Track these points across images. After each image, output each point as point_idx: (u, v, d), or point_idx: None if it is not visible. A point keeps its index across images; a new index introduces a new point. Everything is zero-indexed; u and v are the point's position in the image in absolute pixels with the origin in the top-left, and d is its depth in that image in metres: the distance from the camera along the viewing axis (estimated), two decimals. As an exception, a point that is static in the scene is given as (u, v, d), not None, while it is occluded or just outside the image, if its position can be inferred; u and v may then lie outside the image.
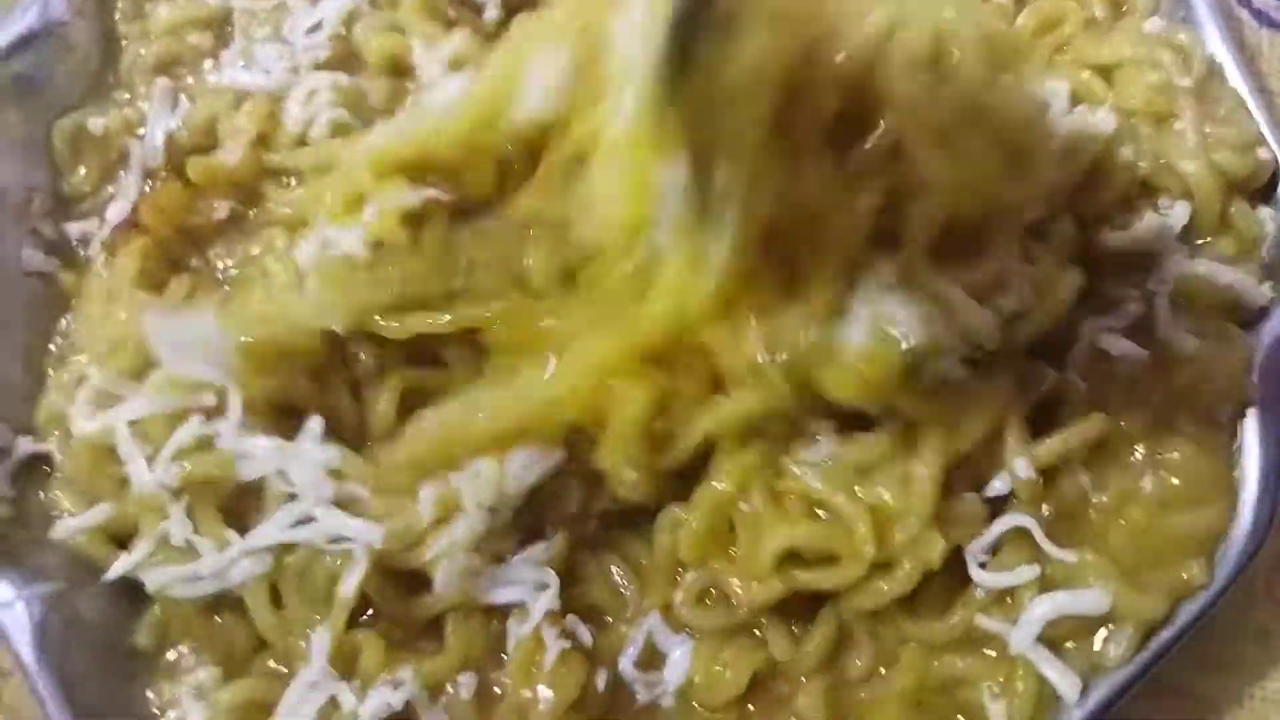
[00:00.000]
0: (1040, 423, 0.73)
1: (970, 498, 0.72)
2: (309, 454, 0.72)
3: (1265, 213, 0.81)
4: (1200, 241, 0.80)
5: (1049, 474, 0.71)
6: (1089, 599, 0.69)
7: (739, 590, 0.71)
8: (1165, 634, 0.71)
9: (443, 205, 0.74)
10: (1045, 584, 0.71)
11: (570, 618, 0.73)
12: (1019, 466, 0.70)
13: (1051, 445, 0.71)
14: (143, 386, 0.75)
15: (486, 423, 0.70)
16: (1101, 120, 0.78)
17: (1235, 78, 0.85)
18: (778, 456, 0.71)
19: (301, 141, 0.86)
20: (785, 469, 0.71)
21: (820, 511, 0.71)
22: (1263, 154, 0.80)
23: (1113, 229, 0.77)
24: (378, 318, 0.74)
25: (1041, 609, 0.69)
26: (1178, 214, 0.78)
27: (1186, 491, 0.72)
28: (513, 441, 0.70)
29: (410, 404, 0.76)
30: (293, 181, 0.86)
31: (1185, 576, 0.71)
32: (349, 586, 0.70)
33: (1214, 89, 0.84)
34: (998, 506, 0.72)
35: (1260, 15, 0.94)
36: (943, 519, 0.70)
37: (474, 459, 0.70)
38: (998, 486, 0.71)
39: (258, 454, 0.73)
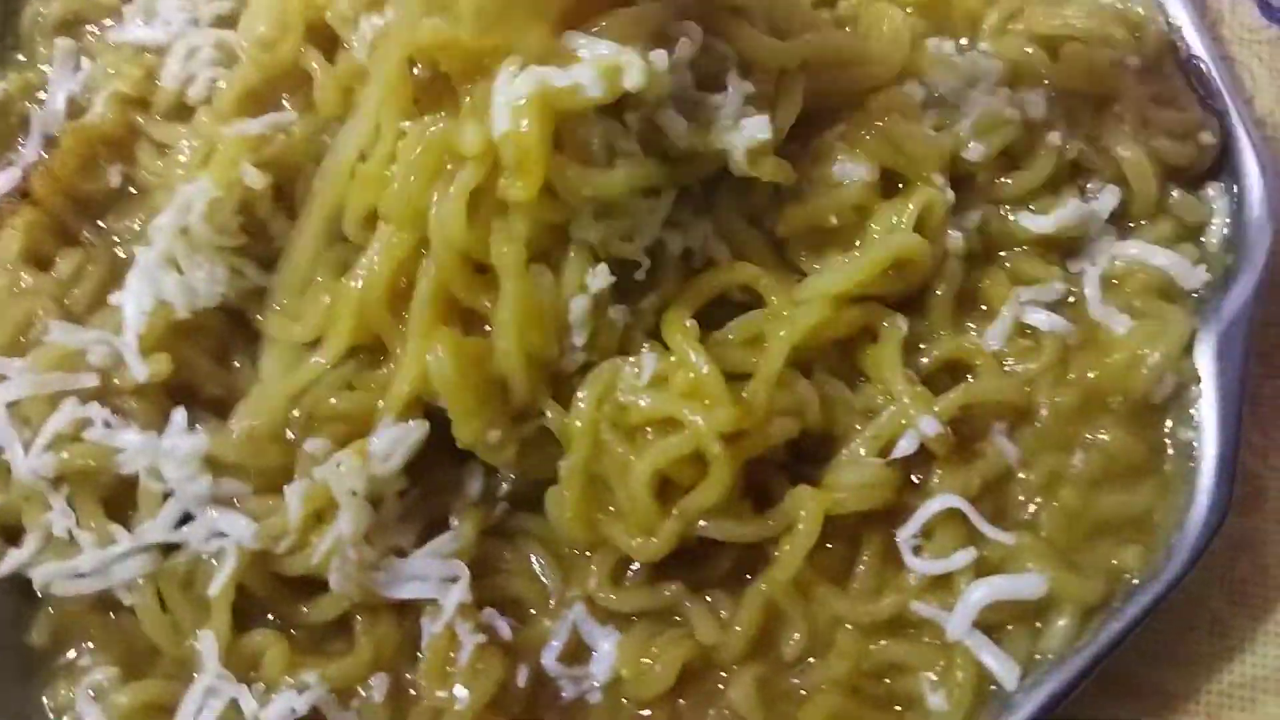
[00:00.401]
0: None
1: (868, 462, 0.70)
2: (179, 447, 0.68)
3: (1212, 190, 0.79)
4: (1134, 225, 0.78)
5: (963, 441, 0.69)
6: (1026, 583, 0.67)
7: (635, 545, 0.68)
8: (1116, 625, 0.68)
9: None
10: (981, 568, 0.68)
11: (487, 611, 0.69)
12: (924, 423, 0.68)
13: (953, 398, 0.69)
14: (23, 362, 0.71)
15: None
16: (1032, 102, 0.75)
17: (1195, 44, 0.82)
18: (611, 394, 0.68)
19: (179, 101, 0.83)
20: (625, 404, 0.68)
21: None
22: (1204, 138, 0.78)
23: (1034, 212, 0.75)
24: None
25: (978, 594, 0.67)
26: (1105, 199, 0.76)
27: (1117, 472, 0.70)
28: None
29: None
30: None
31: (1116, 562, 0.69)
32: (217, 585, 0.67)
33: (1164, 68, 0.82)
34: (926, 486, 0.70)
35: (1223, -20, 0.91)
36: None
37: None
38: (904, 446, 0.69)
39: (128, 448, 0.69)
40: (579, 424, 0.68)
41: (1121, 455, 0.71)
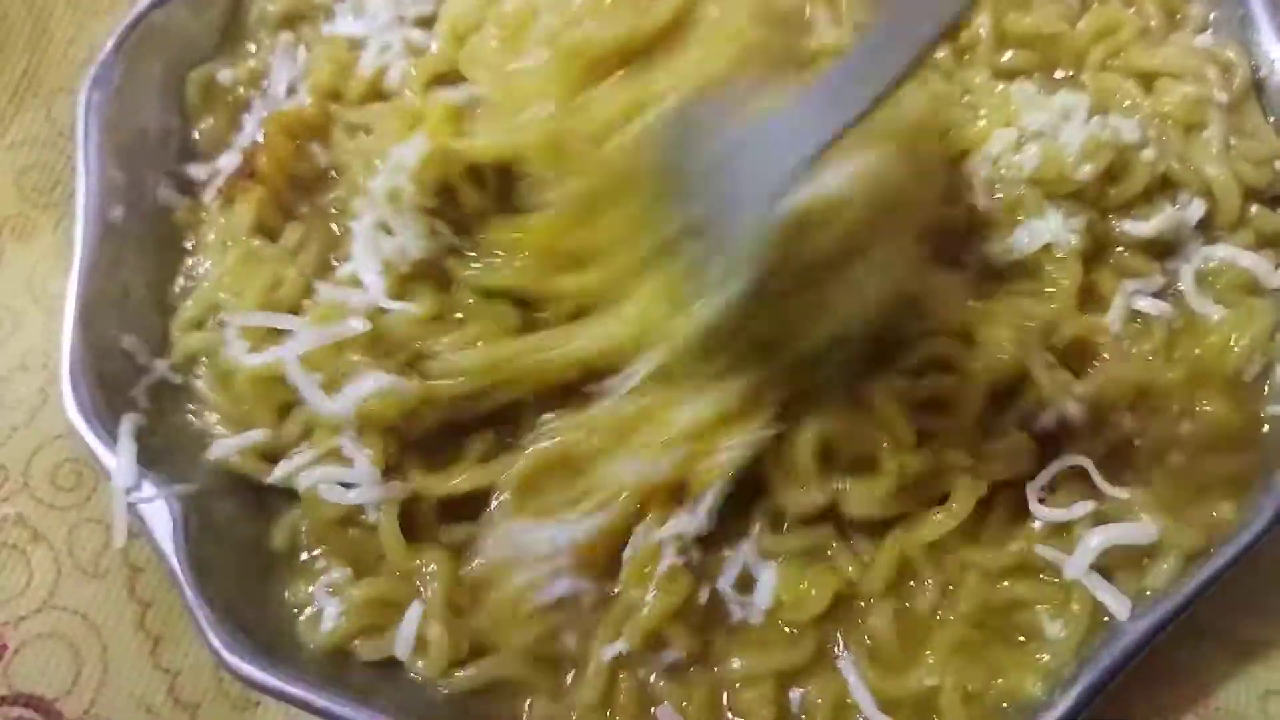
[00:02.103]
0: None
1: (1016, 435, 0.82)
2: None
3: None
4: (1219, 233, 0.91)
5: (1095, 416, 0.81)
6: (1138, 530, 0.79)
7: (790, 505, 0.81)
8: (1208, 570, 0.79)
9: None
10: (1098, 518, 0.80)
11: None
12: (1069, 407, 0.80)
13: (1091, 381, 0.82)
14: (303, 319, 0.86)
15: None
16: (1125, 127, 0.88)
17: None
18: None
19: (374, 89, 0.96)
20: None
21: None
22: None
23: (1134, 219, 0.88)
24: None
25: (1096, 540, 0.79)
26: (1194, 209, 0.89)
27: (1219, 439, 0.82)
28: None
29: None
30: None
31: (1216, 515, 0.81)
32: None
33: (1247, 106, 0.95)
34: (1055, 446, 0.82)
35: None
36: (982, 455, 0.81)
37: None
38: (1045, 421, 0.81)
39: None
40: None
41: (1223, 424, 0.83)
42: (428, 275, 0.89)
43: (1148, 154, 0.89)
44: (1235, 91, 0.93)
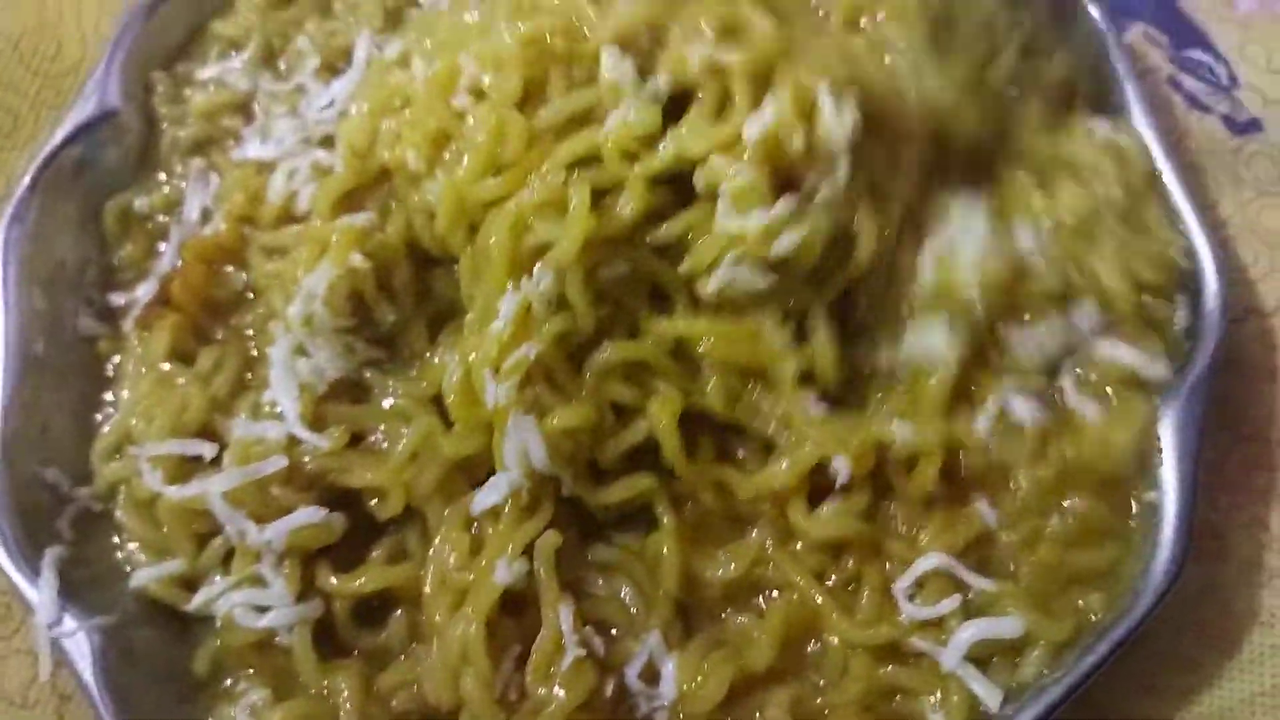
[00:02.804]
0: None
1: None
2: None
3: (1180, 296, 0.94)
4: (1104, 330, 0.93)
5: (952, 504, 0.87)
6: (1006, 624, 0.83)
7: None
8: (1090, 658, 0.83)
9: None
10: (969, 609, 0.85)
11: (587, 629, 0.86)
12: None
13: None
14: (212, 445, 0.92)
15: None
16: (1022, 235, 0.91)
17: (1159, 158, 0.98)
18: None
19: (286, 211, 1.00)
20: None
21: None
22: (1176, 261, 0.94)
23: (1022, 327, 0.91)
24: None
25: (966, 633, 0.83)
26: (1086, 312, 0.91)
27: (1088, 534, 0.87)
28: None
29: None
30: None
31: (1083, 605, 0.86)
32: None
33: (1148, 197, 0.97)
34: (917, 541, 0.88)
35: (1191, 99, 1.07)
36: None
37: None
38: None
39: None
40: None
41: (1092, 519, 0.87)
42: (345, 393, 0.94)
43: (1040, 263, 0.91)
44: (1134, 186, 0.97)
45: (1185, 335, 0.93)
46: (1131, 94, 1.01)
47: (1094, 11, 1.04)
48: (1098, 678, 0.84)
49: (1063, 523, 0.86)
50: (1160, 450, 0.89)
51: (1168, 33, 1.10)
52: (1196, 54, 1.09)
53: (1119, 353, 0.90)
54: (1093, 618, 0.85)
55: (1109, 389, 0.90)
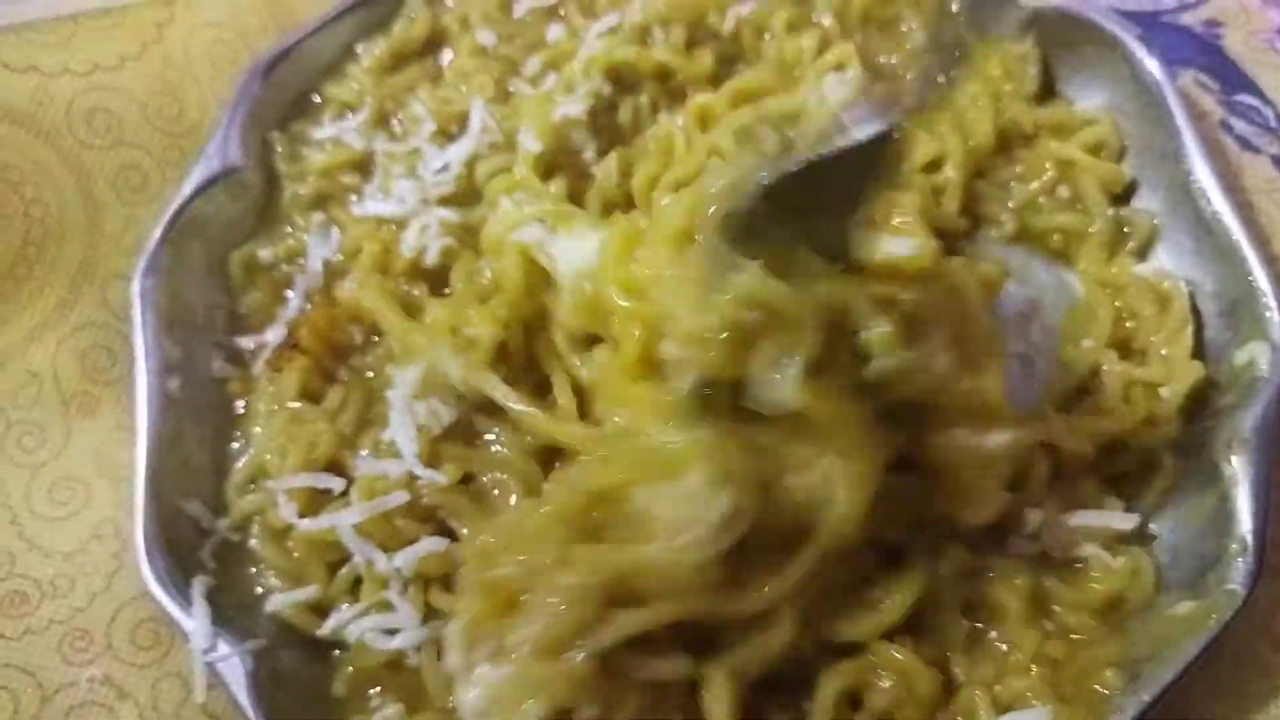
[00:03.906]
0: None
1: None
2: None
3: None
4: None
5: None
6: (1034, 716, 0.90)
7: None
8: (1168, 673, 0.90)
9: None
10: (996, 704, 0.92)
11: None
12: None
13: None
14: (342, 480, 0.99)
15: None
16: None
17: (1217, 197, 1.06)
18: None
19: (416, 266, 1.09)
20: None
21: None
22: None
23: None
24: None
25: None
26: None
27: (1089, 641, 0.96)
28: None
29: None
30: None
31: (1099, 687, 0.93)
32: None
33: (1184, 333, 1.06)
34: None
35: (1243, 141, 1.16)
36: None
37: None
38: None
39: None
40: None
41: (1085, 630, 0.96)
42: (459, 434, 1.02)
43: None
44: (1171, 323, 1.05)
45: (1249, 366, 1.02)
46: (1189, 140, 1.09)
47: (1149, 63, 1.13)
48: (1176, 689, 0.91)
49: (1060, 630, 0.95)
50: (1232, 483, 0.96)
51: (1217, 78, 1.19)
52: (1246, 98, 1.18)
53: (1088, 518, 0.98)
54: (1106, 693, 0.92)
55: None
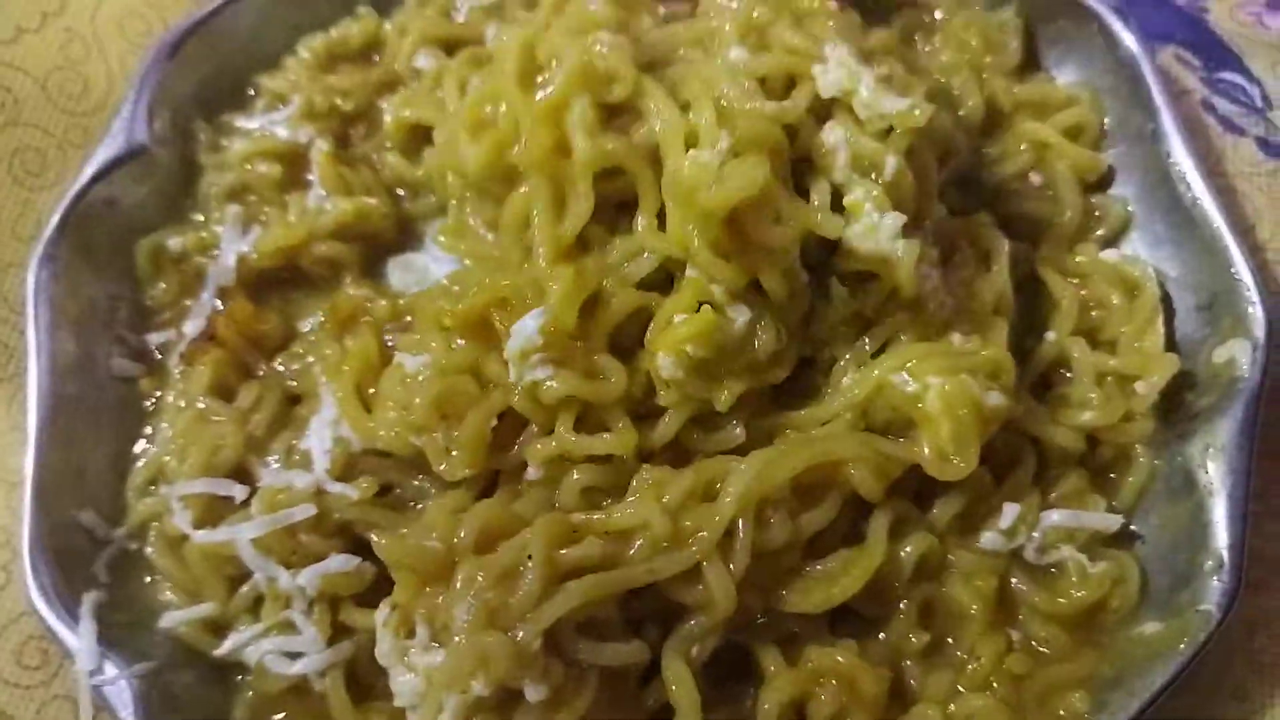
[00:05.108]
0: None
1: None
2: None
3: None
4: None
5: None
6: None
7: None
8: (1134, 702, 0.85)
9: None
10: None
11: None
12: None
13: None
14: (243, 487, 0.93)
15: None
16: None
17: (1196, 184, 0.99)
18: None
19: None
20: None
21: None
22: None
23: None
24: None
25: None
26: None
27: (1057, 656, 0.91)
28: None
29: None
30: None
31: (1064, 712, 0.88)
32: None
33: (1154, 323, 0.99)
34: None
35: (1225, 122, 1.08)
36: None
37: None
38: None
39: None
40: None
41: (1056, 644, 0.92)
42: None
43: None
44: (1143, 308, 0.98)
45: (1228, 364, 0.94)
46: (1168, 120, 1.02)
47: (1126, 37, 1.05)
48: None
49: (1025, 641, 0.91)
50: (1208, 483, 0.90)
51: (1200, 55, 1.11)
52: (1230, 76, 1.10)
53: (1074, 518, 0.92)
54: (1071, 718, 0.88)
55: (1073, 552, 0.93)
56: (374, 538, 0.86)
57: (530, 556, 0.80)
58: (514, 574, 0.80)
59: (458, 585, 0.80)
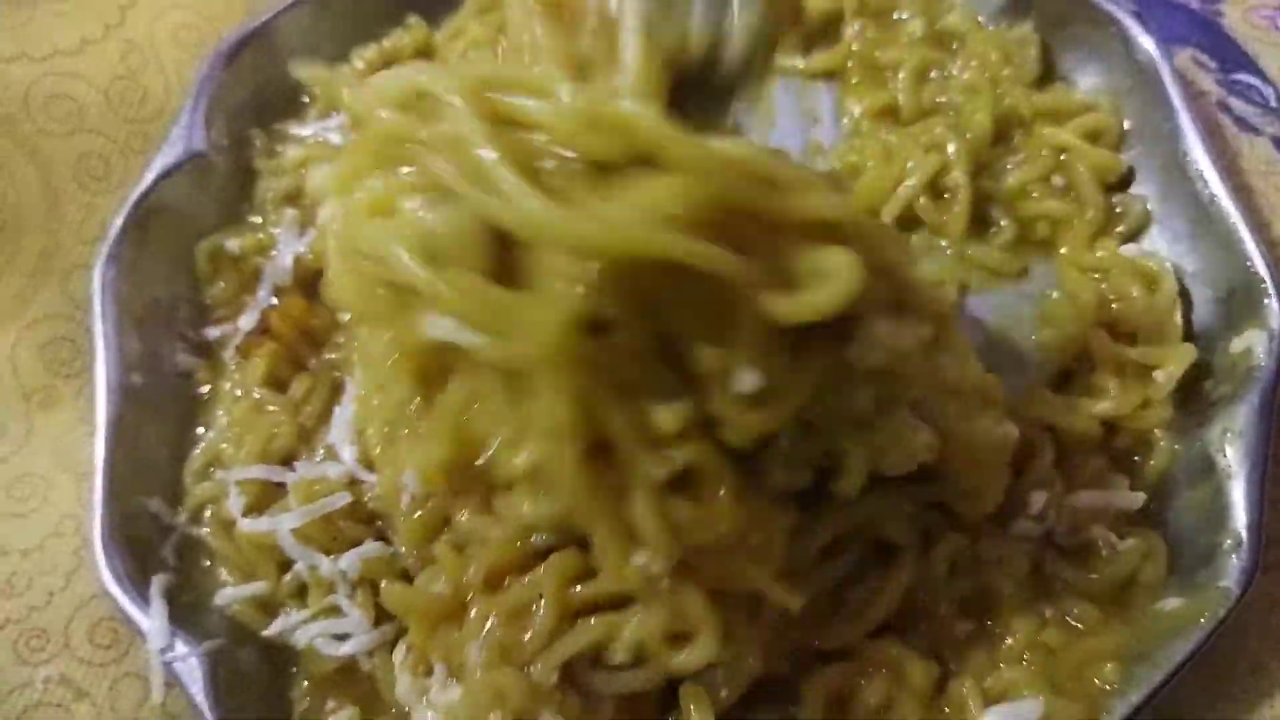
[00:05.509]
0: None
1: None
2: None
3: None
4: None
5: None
6: (1026, 707, 0.87)
7: None
8: (1157, 675, 0.88)
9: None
10: (987, 696, 0.89)
11: None
12: None
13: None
14: (294, 474, 0.98)
15: None
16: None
17: (1214, 179, 1.03)
18: None
19: None
20: None
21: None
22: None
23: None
24: None
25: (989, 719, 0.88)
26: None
27: (1090, 631, 0.93)
28: None
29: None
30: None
31: (1098, 681, 0.91)
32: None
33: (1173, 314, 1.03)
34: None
35: (1241, 122, 1.12)
36: None
37: None
38: None
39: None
40: None
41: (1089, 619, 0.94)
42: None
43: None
44: (1161, 305, 1.02)
45: (1245, 354, 0.98)
46: (1186, 121, 1.05)
47: (1144, 40, 1.09)
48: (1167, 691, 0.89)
49: (1065, 627, 0.93)
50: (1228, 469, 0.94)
51: (1215, 57, 1.16)
52: (1245, 78, 1.15)
53: (1098, 498, 0.95)
54: (1107, 688, 0.90)
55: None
56: (383, 584, 0.89)
57: (541, 595, 0.81)
58: (525, 612, 0.81)
59: (470, 623, 0.82)
